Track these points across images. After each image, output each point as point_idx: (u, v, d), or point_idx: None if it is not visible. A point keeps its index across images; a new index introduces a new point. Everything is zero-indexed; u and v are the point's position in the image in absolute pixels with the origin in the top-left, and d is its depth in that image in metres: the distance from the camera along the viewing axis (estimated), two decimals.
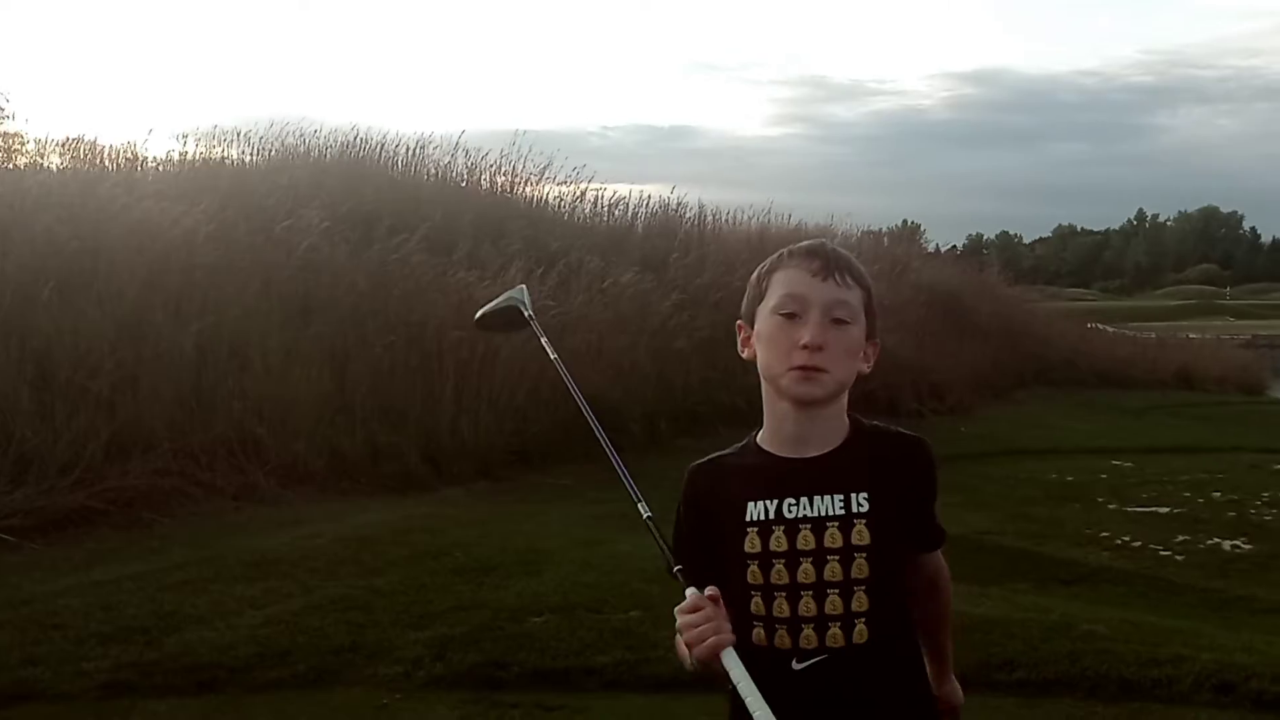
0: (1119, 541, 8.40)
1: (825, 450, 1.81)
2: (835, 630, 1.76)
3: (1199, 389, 21.82)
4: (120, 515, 7.39)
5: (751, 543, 1.80)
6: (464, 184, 15.40)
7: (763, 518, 1.80)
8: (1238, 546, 8.27)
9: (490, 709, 4.30)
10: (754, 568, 1.79)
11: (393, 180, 14.48)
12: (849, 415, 1.86)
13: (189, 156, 13.45)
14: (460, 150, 15.34)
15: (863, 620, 1.76)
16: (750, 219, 18.43)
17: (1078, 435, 14.68)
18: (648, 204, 16.70)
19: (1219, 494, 10.33)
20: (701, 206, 17.36)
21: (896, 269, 19.32)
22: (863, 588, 1.76)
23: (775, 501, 1.80)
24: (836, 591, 1.76)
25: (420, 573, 6.12)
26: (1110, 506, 9.84)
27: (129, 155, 12.55)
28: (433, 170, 15.30)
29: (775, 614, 1.78)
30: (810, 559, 1.76)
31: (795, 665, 1.78)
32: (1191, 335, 29.42)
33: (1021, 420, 15.89)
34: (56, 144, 12.36)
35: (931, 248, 31.25)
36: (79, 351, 8.21)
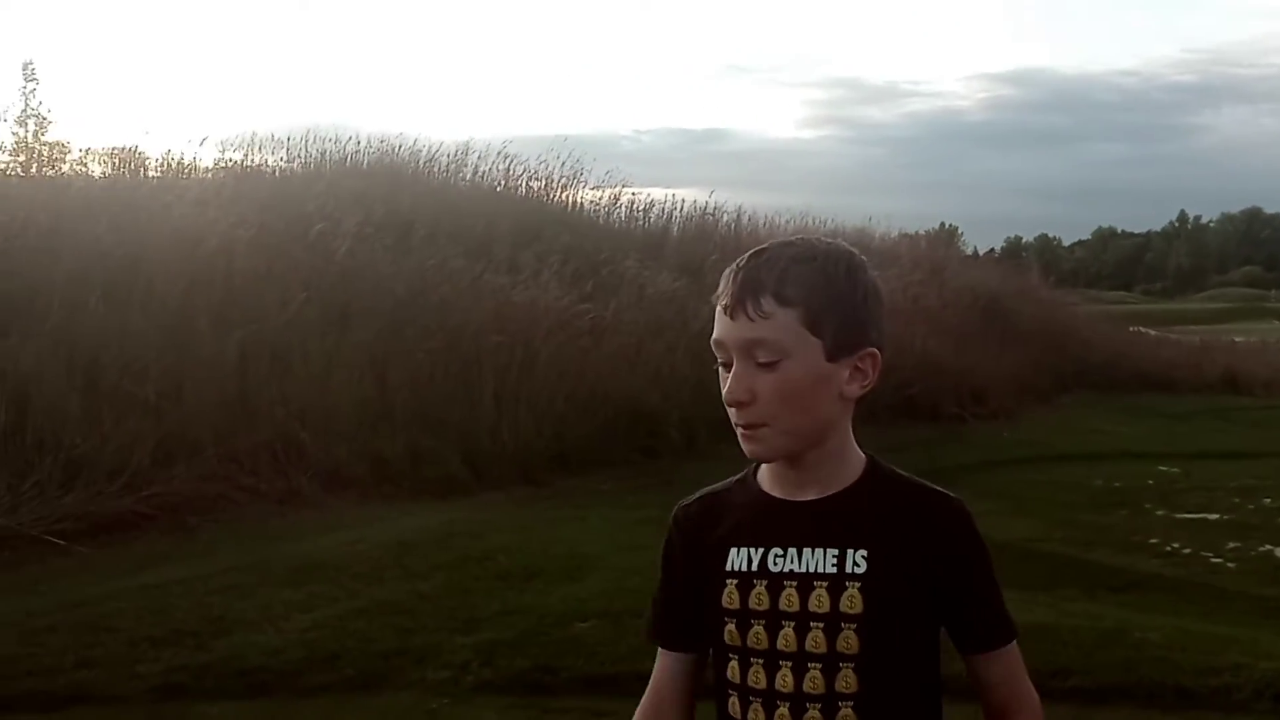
0: (1168, 548, 8.27)
1: (826, 494, 1.49)
2: (814, 713, 1.44)
3: (1245, 393, 21.49)
4: (167, 520, 7.46)
5: (730, 596, 1.49)
6: (500, 189, 15.46)
7: (744, 568, 1.49)
8: None
9: (540, 714, 4.30)
10: (731, 626, 1.49)
11: (430, 187, 14.55)
12: (867, 455, 1.54)
13: (229, 164, 13.58)
14: (497, 156, 15.42)
15: (849, 705, 1.44)
16: (786, 222, 18.39)
17: (1122, 440, 14.50)
18: (683, 208, 16.71)
19: (1269, 500, 10.16)
20: (739, 210, 17.35)
21: (935, 272, 19.21)
22: (850, 665, 1.43)
23: (761, 550, 1.49)
24: (819, 666, 1.44)
25: (464, 578, 6.13)
26: (1158, 513, 9.70)
27: (170, 163, 12.68)
28: (469, 176, 15.38)
29: (750, 683, 1.48)
30: (793, 623, 1.45)
31: None
32: (1237, 338, 28.99)
33: (1064, 425, 15.71)
34: (99, 153, 12.51)
35: (970, 251, 31.07)
36: (125, 358, 8.29)
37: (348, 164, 14.52)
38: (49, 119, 11.22)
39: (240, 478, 8.16)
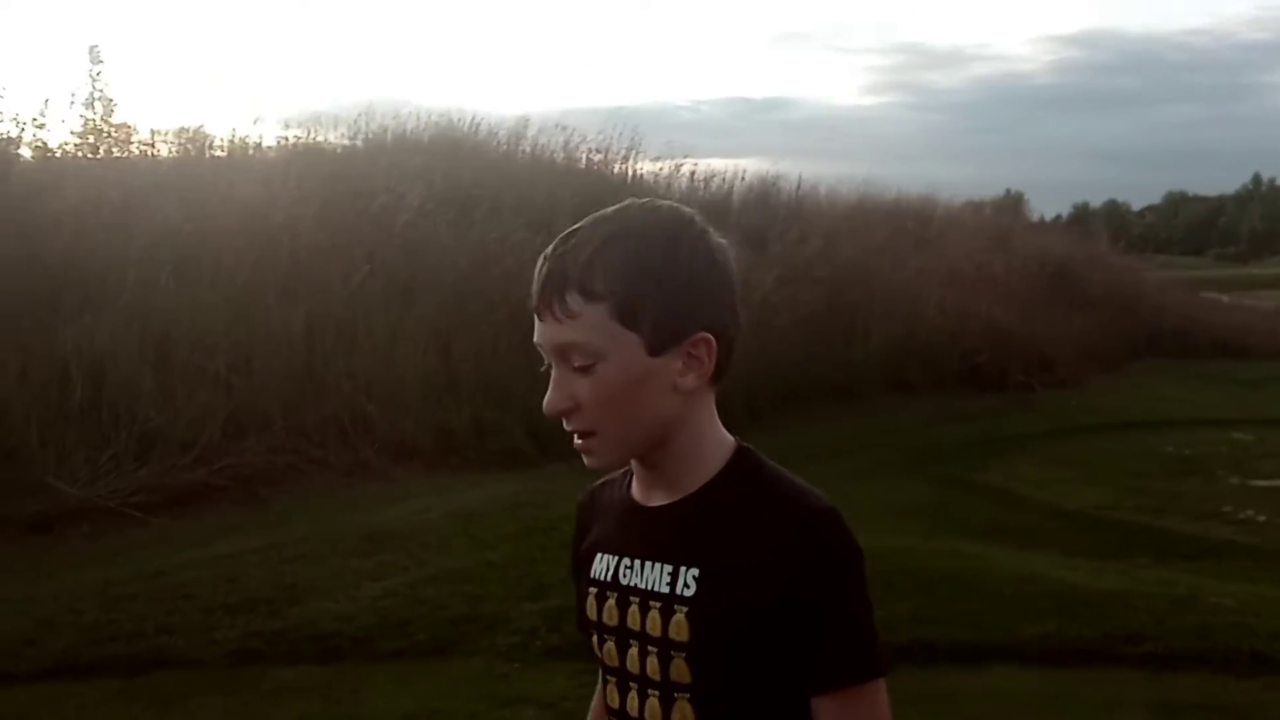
0: (1242, 516, 8.12)
1: (672, 499, 1.29)
2: None
3: None
4: (239, 491, 7.61)
5: (590, 606, 1.34)
6: (560, 161, 15.47)
7: (602, 577, 1.33)
8: None
9: None
10: (593, 637, 1.35)
11: (490, 161, 14.60)
12: (737, 448, 1.30)
13: (292, 142, 13.73)
14: (556, 129, 15.43)
15: None
16: (849, 191, 18.22)
17: (1193, 407, 14.22)
18: (744, 178, 16.61)
19: None
20: (800, 179, 17.21)
21: (1000, 240, 18.94)
22: (685, 696, 1.25)
23: (616, 559, 1.32)
24: (656, 694, 1.27)
25: (531, 547, 6.18)
26: (1231, 480, 9.53)
27: (235, 142, 12.86)
28: (529, 150, 15.40)
29: (609, 702, 1.33)
30: (637, 644, 1.28)
31: None
32: None
33: (1134, 392, 15.44)
34: (166, 133, 12.70)
35: (1036, 217, 30.57)
36: (196, 333, 8.45)
37: (408, 139, 14.61)
38: (115, 101, 11.41)
39: (309, 450, 8.30)
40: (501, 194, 12.50)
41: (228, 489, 7.62)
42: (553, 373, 1.27)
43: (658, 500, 1.30)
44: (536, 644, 4.64)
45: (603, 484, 1.41)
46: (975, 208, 22.98)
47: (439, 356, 9.82)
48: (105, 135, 11.40)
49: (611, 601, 1.31)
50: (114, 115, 11.38)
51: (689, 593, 1.24)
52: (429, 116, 15.13)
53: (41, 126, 10.46)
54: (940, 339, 14.47)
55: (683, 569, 1.25)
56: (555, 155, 15.44)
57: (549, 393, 1.27)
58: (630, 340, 1.23)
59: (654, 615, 1.26)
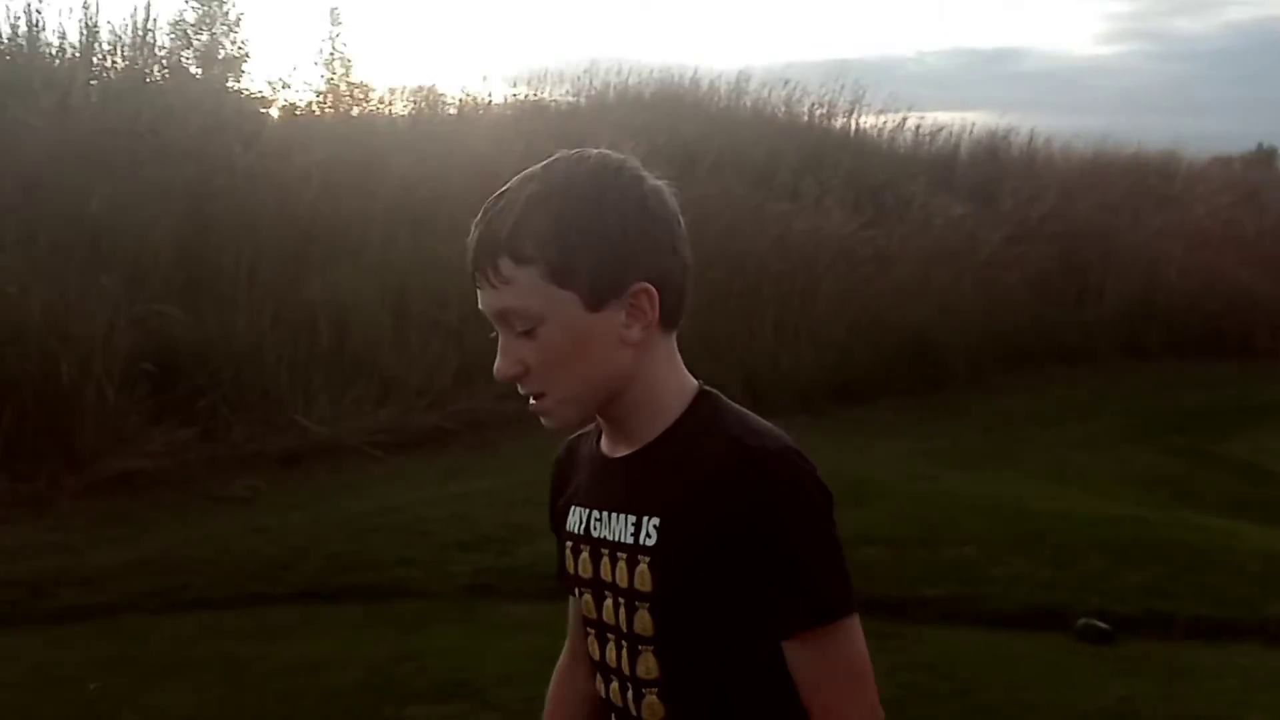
0: None
1: (633, 449, 1.28)
2: (624, 694, 1.29)
3: None
4: (469, 435, 7.96)
5: (568, 559, 1.35)
6: (782, 116, 15.34)
7: (576, 529, 1.33)
8: None
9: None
10: (574, 591, 1.36)
11: (711, 116, 14.60)
12: (698, 393, 1.29)
13: (518, 99, 14.09)
14: (777, 83, 15.29)
15: (654, 693, 1.26)
16: (1084, 146, 17.34)
17: None
18: (972, 131, 16.04)
19: None
20: (1032, 133, 16.50)
21: (1250, 197, 17.67)
22: (649, 648, 1.25)
23: (588, 512, 1.32)
24: (625, 645, 1.27)
25: None
26: None
27: (466, 100, 13.30)
28: (750, 104, 15.32)
29: (590, 652, 1.34)
30: (610, 595, 1.28)
31: None
32: None
33: None
34: (402, 91, 13.26)
35: None
36: (431, 286, 8.84)
37: (630, 95, 14.77)
38: (353, 61, 11.99)
39: None
40: (722, 150, 12.50)
41: (459, 433, 7.98)
42: (499, 339, 1.26)
43: (621, 451, 1.29)
44: None
45: (579, 437, 1.40)
46: (1223, 163, 21.47)
47: None
48: (345, 94, 12.01)
49: (585, 554, 1.30)
50: (351, 75, 11.99)
51: (650, 542, 1.23)
52: (650, 72, 15.25)
53: (286, 87, 11.12)
54: (1180, 301, 13.66)
55: (645, 519, 1.24)
56: (777, 110, 15.31)
57: (497, 359, 1.26)
58: (567, 299, 1.21)
59: (621, 566, 1.25)
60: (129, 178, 8.04)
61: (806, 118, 15.38)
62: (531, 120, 12.85)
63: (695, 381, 1.31)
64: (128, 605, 4.72)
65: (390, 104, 12.83)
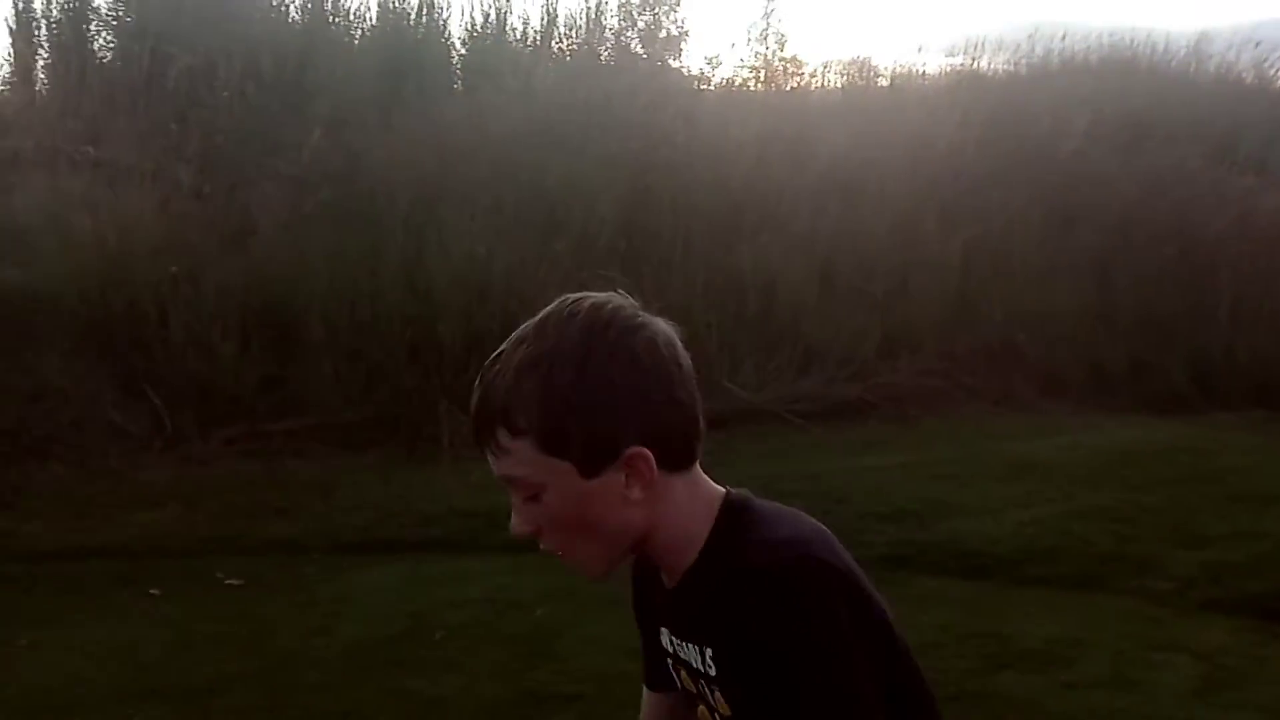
0: None
1: (674, 582, 1.30)
2: None
3: None
4: (888, 409, 7.96)
5: (671, 676, 1.38)
6: (1249, 81, 13.93)
7: (669, 649, 1.35)
8: None
9: (1272, 639, 4.01)
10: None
11: (1166, 82, 13.53)
12: (720, 516, 1.26)
13: (954, 70, 13.74)
14: (1247, 44, 13.87)
15: None
16: None
17: None
18: None
19: None
20: None
21: None
22: None
23: (669, 636, 1.35)
24: None
25: (1188, 494, 5.83)
26: None
27: (899, 71, 13.15)
28: (1211, 69, 14.02)
29: None
30: (711, 715, 1.32)
31: None
32: None
33: None
34: (836, 64, 13.33)
35: None
36: (857, 257, 8.89)
37: (1075, 62, 13.97)
38: (787, 36, 12.21)
39: (959, 375, 8.43)
40: (1177, 118, 11.57)
41: (878, 406, 8.00)
42: (512, 500, 1.27)
43: (671, 581, 1.30)
44: (1193, 594, 4.41)
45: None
46: None
47: (1097, 289, 9.44)
48: (778, 69, 12.27)
49: (684, 674, 1.33)
50: (785, 50, 12.22)
51: (713, 672, 1.25)
52: (1098, 36, 14.33)
53: (720, 65, 11.55)
54: None
55: (704, 650, 1.26)
56: (1243, 74, 13.93)
57: (512, 517, 1.27)
58: (563, 469, 1.21)
59: (705, 690, 1.28)
60: (581, 153, 8.69)
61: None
62: (968, 90, 12.51)
63: (720, 492, 1.30)
64: None
65: (823, 77, 12.98)
